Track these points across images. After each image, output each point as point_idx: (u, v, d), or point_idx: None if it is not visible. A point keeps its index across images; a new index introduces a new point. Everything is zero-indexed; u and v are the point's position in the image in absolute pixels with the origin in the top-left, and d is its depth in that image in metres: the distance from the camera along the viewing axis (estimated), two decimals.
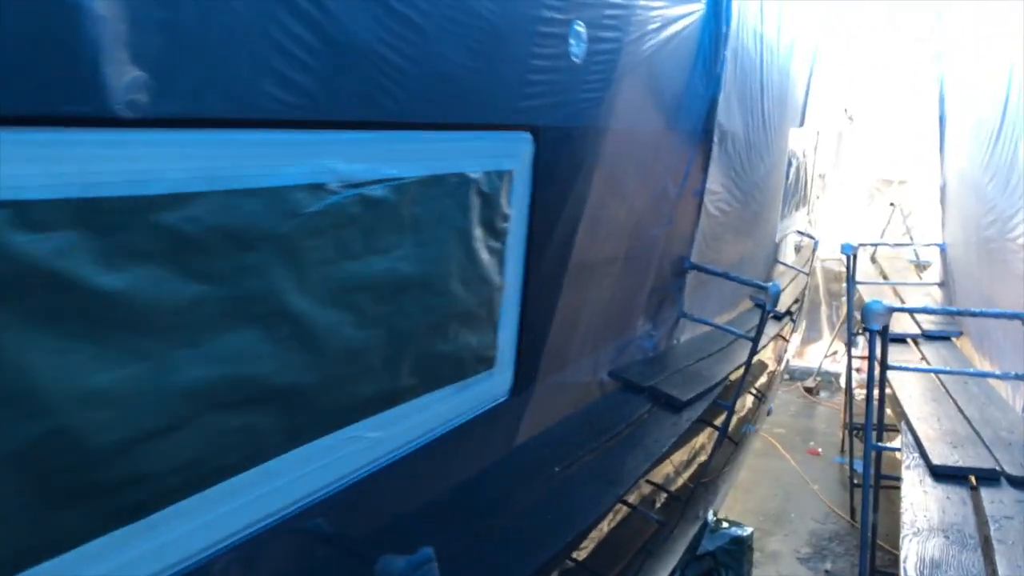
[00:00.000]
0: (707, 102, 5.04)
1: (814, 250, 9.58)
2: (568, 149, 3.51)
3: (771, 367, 9.14)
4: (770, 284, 5.55)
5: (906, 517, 4.33)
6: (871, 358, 5.78)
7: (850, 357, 9.31)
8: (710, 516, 6.57)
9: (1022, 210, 5.89)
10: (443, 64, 2.61)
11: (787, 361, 11.81)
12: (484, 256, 3.11)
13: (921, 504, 4.49)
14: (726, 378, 5.84)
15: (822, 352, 12.75)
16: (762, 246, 8.23)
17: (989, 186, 6.80)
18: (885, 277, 10.45)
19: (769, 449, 10.46)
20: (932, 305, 8.80)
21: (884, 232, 11.77)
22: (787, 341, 9.45)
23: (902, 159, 12.44)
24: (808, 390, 12.35)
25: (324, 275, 2.33)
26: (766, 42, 6.27)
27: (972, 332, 7.69)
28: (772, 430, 10.96)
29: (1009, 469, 4.75)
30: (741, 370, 5.98)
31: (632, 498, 5.03)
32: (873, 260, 10.97)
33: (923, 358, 7.49)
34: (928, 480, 4.80)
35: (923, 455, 5.08)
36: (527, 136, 3.22)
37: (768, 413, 7.50)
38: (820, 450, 10.50)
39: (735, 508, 8.80)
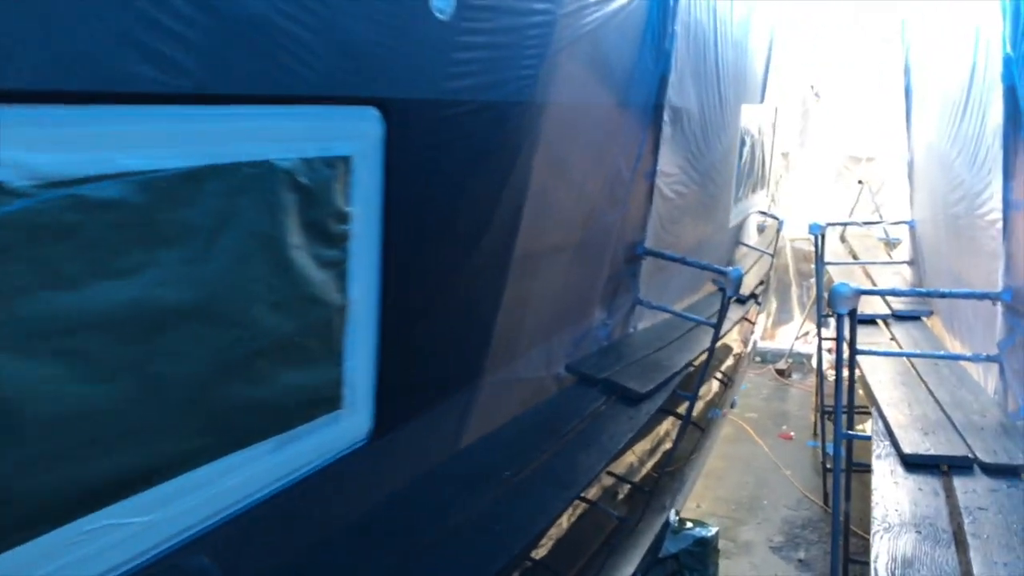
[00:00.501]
0: (657, 79, 4.79)
1: (778, 230, 9.38)
2: (449, 128, 2.92)
3: (737, 349, 8.97)
4: (730, 269, 5.33)
5: (877, 512, 4.12)
6: (839, 342, 5.59)
7: (820, 339, 9.12)
8: (672, 516, 6.35)
9: (991, 185, 5.68)
10: (235, 16, 1.94)
11: (755, 343, 11.67)
12: (310, 269, 2.39)
13: (892, 497, 4.28)
14: (688, 366, 5.61)
15: (793, 333, 12.59)
16: (723, 228, 8.03)
17: (956, 161, 6.59)
18: (855, 256, 10.27)
19: (741, 434, 10.28)
20: (901, 285, 8.63)
21: (853, 210, 11.61)
22: (753, 324, 9.27)
23: (870, 135, 12.27)
24: (780, 372, 12.20)
25: (8, 313, 1.65)
26: (720, 16, 6.03)
27: (942, 311, 7.51)
28: (744, 414, 10.80)
29: (982, 456, 4.55)
30: (704, 357, 5.77)
31: (593, 492, 4.80)
32: (843, 239, 10.79)
33: (893, 339, 7.31)
34: (899, 470, 4.59)
35: (894, 443, 4.87)
36: (372, 112, 2.55)
37: (732, 406, 7.30)
38: (792, 434, 10.34)
39: (706, 496, 8.62)
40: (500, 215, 3.54)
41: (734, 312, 7.62)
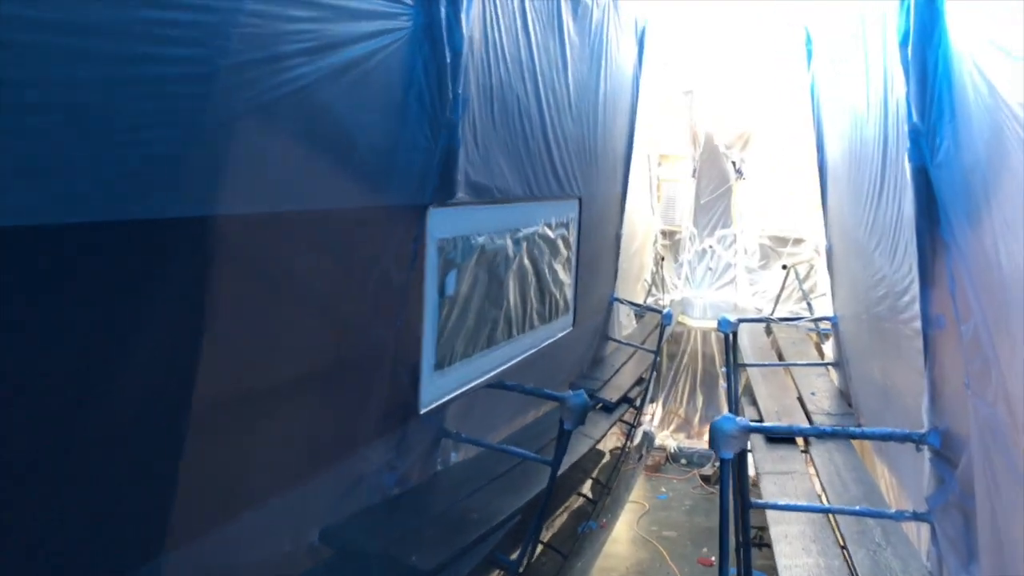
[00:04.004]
0: (438, 158, 3.57)
1: (664, 325, 8.02)
2: None
3: (613, 446, 7.77)
4: (569, 394, 4.08)
5: None
6: (723, 494, 4.31)
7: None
8: None
9: (912, 287, 4.51)
10: None
11: (647, 435, 10.45)
12: None
13: None
14: (516, 514, 4.28)
15: None
16: (583, 314, 6.81)
17: (876, 252, 5.44)
18: (779, 351, 9.09)
19: (655, 559, 8.88)
20: (829, 389, 7.41)
21: (779, 298, 10.47)
22: (633, 424, 8.02)
23: (796, 214, 11.25)
24: (705, 479, 10.86)
25: None
26: (547, 79, 4.87)
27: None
28: (661, 533, 9.42)
29: None
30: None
31: None
32: (768, 331, 9.62)
33: (809, 458, 6.08)
34: None
35: None
36: None
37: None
38: (714, 559, 8.95)
39: None
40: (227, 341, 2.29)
41: (596, 427, 6.39)
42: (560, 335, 6.16)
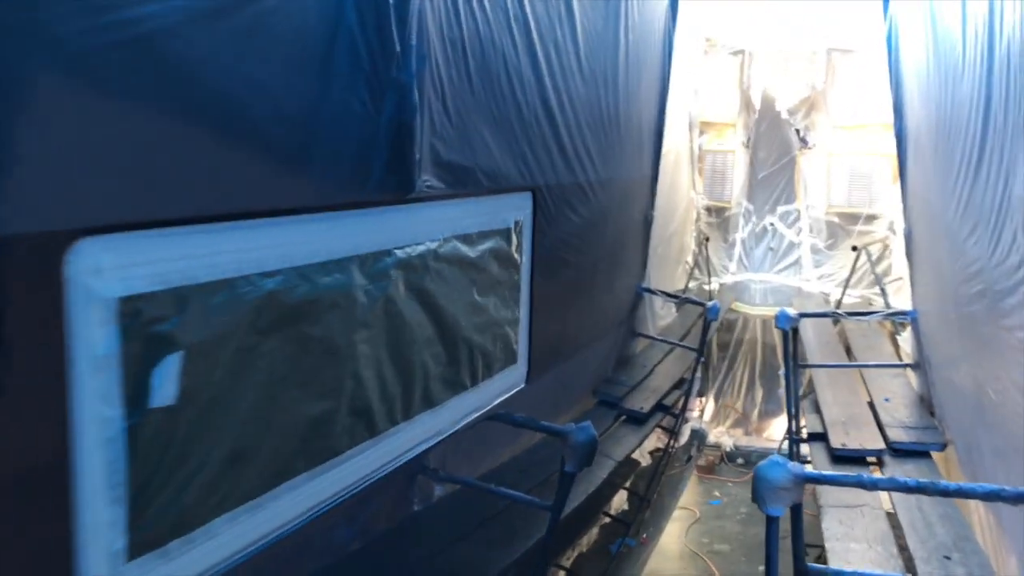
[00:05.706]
0: (385, 128, 2.68)
1: (708, 319, 6.86)
2: None
3: (652, 446, 7.22)
4: (573, 427, 3.23)
5: None
6: (770, 561, 3.40)
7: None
8: None
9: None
10: None
11: (697, 431, 9.54)
12: None
13: None
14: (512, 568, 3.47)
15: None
16: (600, 312, 5.95)
17: (970, 241, 4.42)
18: (847, 345, 8.04)
19: None
20: (907, 395, 6.36)
21: (848, 283, 9.35)
22: (674, 430, 7.17)
23: (870, 188, 10.06)
24: None
25: None
26: (544, 28, 3.87)
27: (959, 444, 5.29)
28: (712, 546, 8.48)
29: None
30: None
31: None
32: (836, 321, 8.56)
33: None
34: None
35: None
36: None
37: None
38: None
39: None
40: None
41: (619, 444, 5.54)
42: (502, 398, 4.21)
